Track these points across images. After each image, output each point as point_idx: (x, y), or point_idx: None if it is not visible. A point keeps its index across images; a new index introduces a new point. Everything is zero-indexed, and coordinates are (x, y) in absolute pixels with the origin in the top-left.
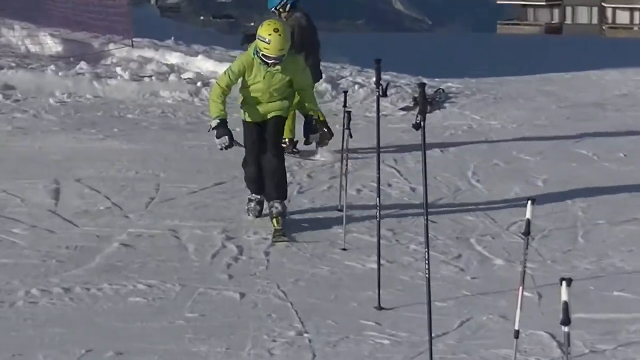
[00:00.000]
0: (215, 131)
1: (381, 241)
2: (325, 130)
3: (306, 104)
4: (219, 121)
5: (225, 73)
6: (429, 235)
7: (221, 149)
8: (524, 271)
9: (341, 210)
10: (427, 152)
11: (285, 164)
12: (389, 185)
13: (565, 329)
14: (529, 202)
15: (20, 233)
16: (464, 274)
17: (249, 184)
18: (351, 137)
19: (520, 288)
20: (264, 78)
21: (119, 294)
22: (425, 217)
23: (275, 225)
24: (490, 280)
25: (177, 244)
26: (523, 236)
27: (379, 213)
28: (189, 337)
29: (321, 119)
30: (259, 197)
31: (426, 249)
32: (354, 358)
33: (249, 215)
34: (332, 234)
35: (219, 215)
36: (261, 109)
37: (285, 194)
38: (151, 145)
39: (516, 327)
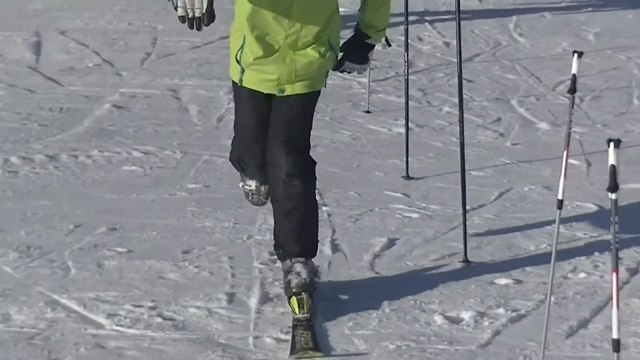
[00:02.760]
0: None
1: (410, 102)
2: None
3: (368, 12)
4: None
5: None
6: (464, 96)
7: (183, 18)
8: (569, 134)
9: None
10: (462, 1)
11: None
12: (420, 39)
13: (613, 196)
14: (575, 55)
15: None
16: (504, 139)
17: (243, 165)
18: None
19: (565, 154)
20: None
21: (111, 162)
22: (459, 76)
23: (296, 310)
24: (533, 146)
25: (177, 105)
26: (569, 95)
27: (408, 71)
28: (192, 210)
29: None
30: (258, 183)
31: (460, 112)
32: (379, 233)
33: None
34: (354, 94)
35: (225, 74)
36: (279, 64)
37: (314, 248)
38: None
39: (560, 197)
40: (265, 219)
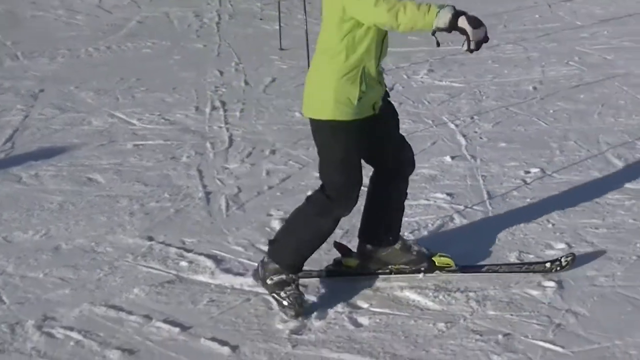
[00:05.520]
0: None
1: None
2: None
3: None
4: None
5: None
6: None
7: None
8: None
9: None
10: None
11: None
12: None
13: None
14: None
15: (81, 18)
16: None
17: (306, 250)
18: None
19: None
20: None
21: (137, 48)
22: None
23: (452, 263)
24: None
25: (168, 24)
26: None
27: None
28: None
29: None
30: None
31: (305, 16)
32: (268, 75)
33: (290, 313)
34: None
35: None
36: (378, 87)
37: None
38: None
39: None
40: None
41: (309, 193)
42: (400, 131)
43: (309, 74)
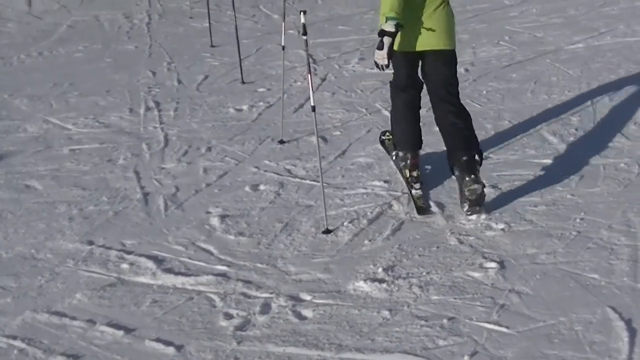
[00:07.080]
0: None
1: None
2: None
3: None
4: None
5: None
6: (236, 6)
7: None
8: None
9: None
10: None
11: None
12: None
13: (304, 37)
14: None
15: (12, 26)
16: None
17: None
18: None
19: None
20: None
21: (68, 53)
22: None
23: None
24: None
25: (99, 27)
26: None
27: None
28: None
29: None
30: None
31: (234, 12)
32: (200, 73)
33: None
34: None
35: None
36: None
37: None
38: None
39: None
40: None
41: (450, 99)
42: (335, 120)
43: (440, 19)
